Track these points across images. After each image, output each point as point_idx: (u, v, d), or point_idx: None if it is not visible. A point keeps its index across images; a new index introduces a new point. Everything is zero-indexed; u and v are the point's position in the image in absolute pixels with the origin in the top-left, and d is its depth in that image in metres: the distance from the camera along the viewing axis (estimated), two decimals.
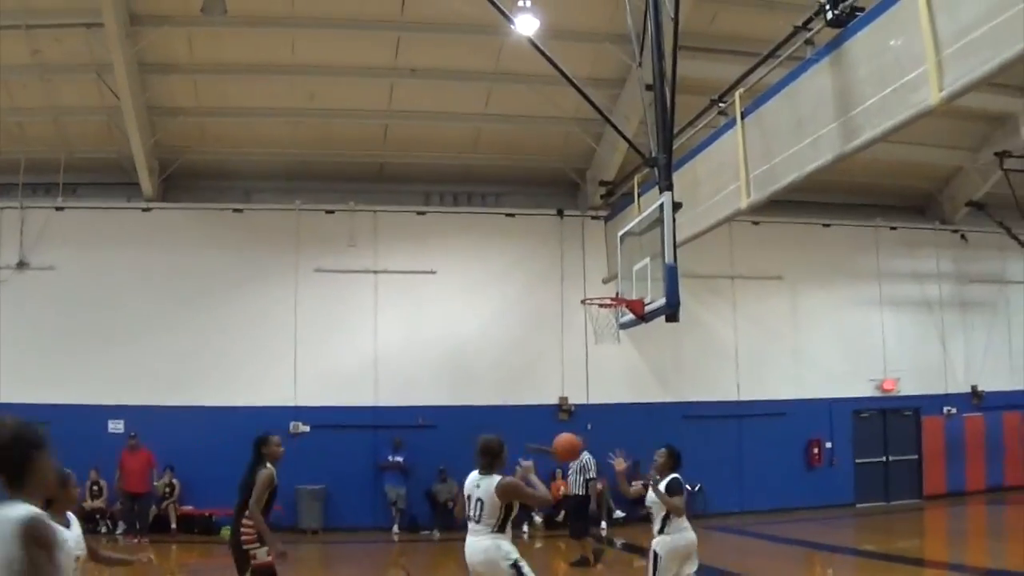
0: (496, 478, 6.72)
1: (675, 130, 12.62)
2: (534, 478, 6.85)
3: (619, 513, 18.16)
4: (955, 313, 21.66)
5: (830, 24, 10.57)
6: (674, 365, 19.69)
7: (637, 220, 13.55)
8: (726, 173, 13.00)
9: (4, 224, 18.23)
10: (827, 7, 10.50)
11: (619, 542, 16.71)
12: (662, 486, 7.96)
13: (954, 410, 21.19)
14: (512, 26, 13.12)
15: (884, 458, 20.85)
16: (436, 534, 17.38)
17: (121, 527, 17.11)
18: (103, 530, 16.87)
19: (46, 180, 18.42)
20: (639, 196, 15.91)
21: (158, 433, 17.13)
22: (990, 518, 19.79)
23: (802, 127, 11.23)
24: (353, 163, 19.36)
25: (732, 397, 19.87)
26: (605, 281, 18.21)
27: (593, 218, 19.78)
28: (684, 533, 7.98)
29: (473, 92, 17.89)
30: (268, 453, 7.62)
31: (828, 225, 20.96)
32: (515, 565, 6.60)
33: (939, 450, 20.90)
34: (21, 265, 18.05)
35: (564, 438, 8.43)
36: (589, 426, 17.65)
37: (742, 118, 12.45)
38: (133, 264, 18.23)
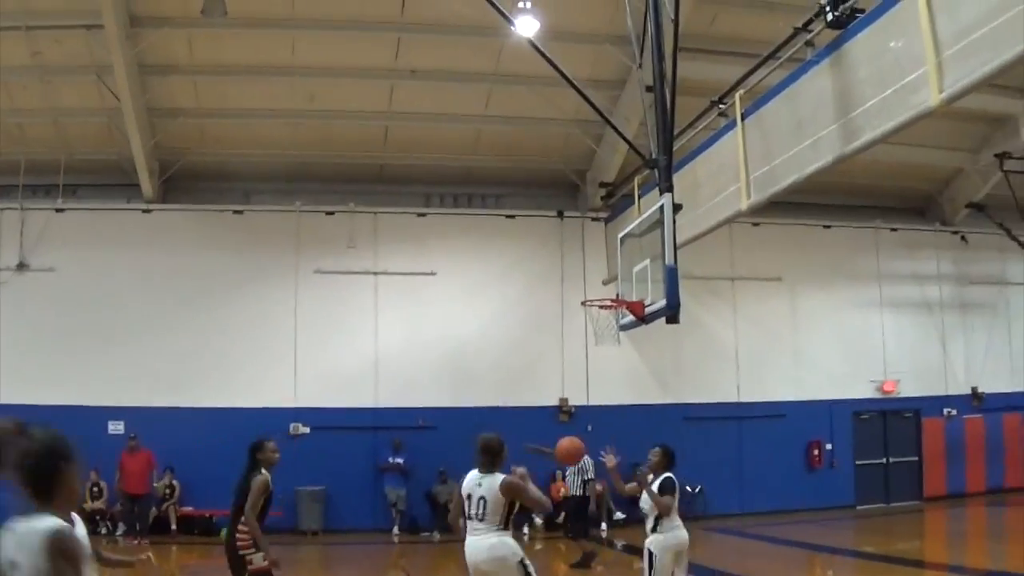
0: (499, 476, 6.72)
1: (675, 131, 12.62)
2: (530, 484, 6.84)
3: (619, 515, 18.16)
4: (955, 315, 21.66)
5: (830, 25, 10.57)
6: (674, 367, 19.69)
7: (637, 222, 13.55)
8: (726, 174, 13.00)
9: (4, 225, 18.23)
10: (827, 8, 10.50)
11: (619, 544, 16.70)
12: (655, 485, 7.96)
13: (954, 412, 21.19)
14: (512, 27, 13.12)
15: (884, 460, 20.84)
16: (436, 536, 17.37)
17: (121, 528, 17.11)
18: (103, 531, 16.87)
19: (46, 181, 18.42)
20: (639, 198, 15.91)
21: (158, 434, 17.13)
22: (990, 520, 19.79)
23: (802, 128, 11.23)
24: (353, 164, 19.36)
25: (732, 399, 19.87)
26: (605, 283, 18.21)
27: (593, 219, 19.78)
28: (676, 532, 8.02)
29: (473, 93, 17.90)
30: (263, 459, 7.58)
31: (828, 227, 20.96)
32: (522, 563, 6.60)
33: (939, 452, 20.89)
34: (21, 266, 18.05)
35: (566, 442, 8.46)
36: (589, 427, 17.67)
37: (742, 119, 12.45)
38: (133, 265, 18.23)
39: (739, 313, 20.37)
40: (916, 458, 20.98)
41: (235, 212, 18.98)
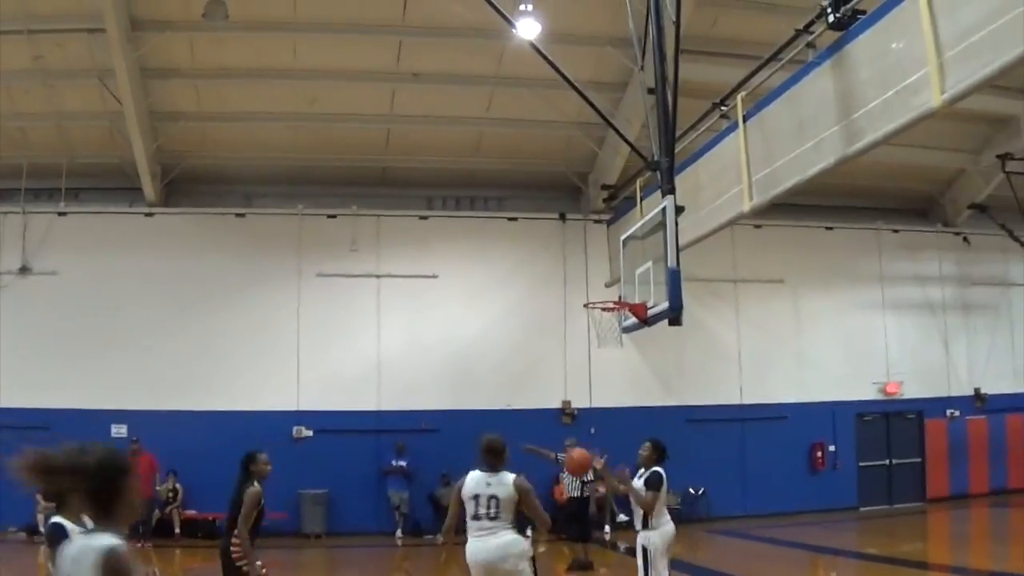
0: (509, 475, 6.72)
1: (677, 134, 12.62)
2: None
3: (622, 517, 18.12)
4: (958, 316, 21.64)
5: (831, 27, 10.56)
6: (677, 369, 19.68)
7: (639, 224, 13.55)
8: (728, 176, 13.00)
9: (7, 229, 18.27)
10: (828, 10, 10.49)
11: (622, 546, 16.67)
12: (642, 479, 8.04)
13: (957, 413, 21.17)
14: (514, 30, 13.12)
15: (887, 461, 20.82)
16: (439, 538, 17.33)
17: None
18: None
19: (48, 185, 18.44)
20: (641, 200, 15.92)
21: (161, 438, 17.13)
22: (993, 521, 19.77)
23: (804, 130, 11.23)
24: (355, 167, 19.37)
25: (735, 400, 19.87)
26: (608, 285, 18.20)
27: (595, 222, 19.78)
28: (666, 526, 8.08)
29: (475, 96, 17.91)
30: (256, 471, 7.64)
31: (830, 228, 20.96)
32: (532, 560, 6.60)
33: (942, 453, 20.88)
34: (24, 270, 18.09)
35: (577, 453, 8.64)
36: (592, 430, 17.72)
37: (744, 121, 12.45)
38: (135, 269, 18.24)
39: (741, 315, 20.36)
40: (919, 459, 20.97)
41: (237, 215, 19.00)
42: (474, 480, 6.82)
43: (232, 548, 7.49)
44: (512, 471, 6.88)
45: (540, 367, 19.15)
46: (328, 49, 16.57)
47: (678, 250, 11.71)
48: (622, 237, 14.21)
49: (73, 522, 4.87)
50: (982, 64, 8.18)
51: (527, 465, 7.17)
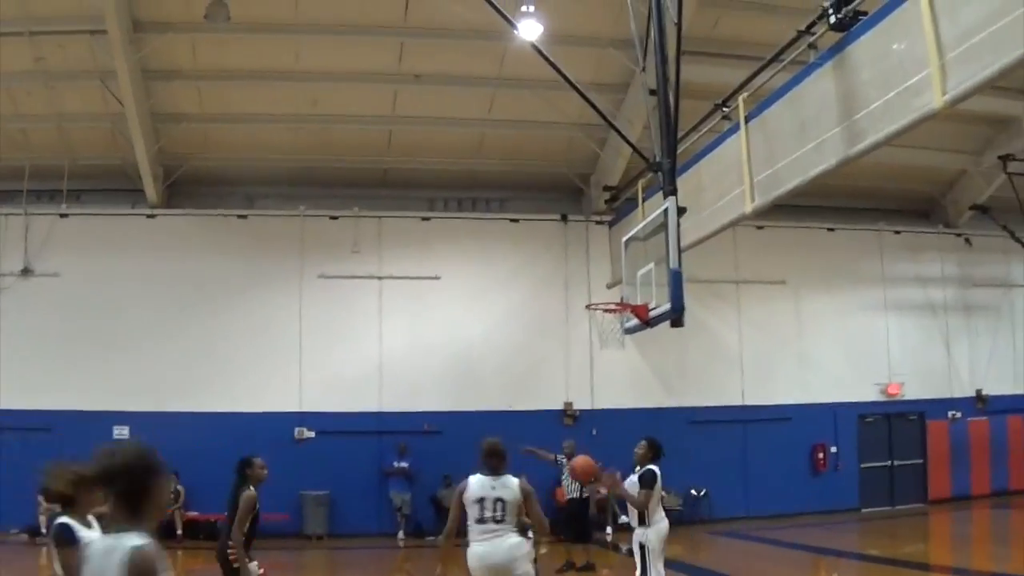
0: (512, 478, 6.73)
1: (679, 135, 12.64)
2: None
3: (624, 518, 18.10)
4: (959, 317, 21.63)
5: (833, 28, 10.56)
6: (679, 370, 19.67)
7: (641, 225, 13.56)
8: (730, 178, 12.99)
9: (8, 231, 18.27)
10: (830, 11, 10.49)
11: (624, 547, 16.65)
12: (635, 477, 8.12)
13: (959, 414, 21.15)
14: (515, 31, 13.13)
15: (889, 462, 20.81)
16: (439, 540, 17.33)
17: None
18: None
19: (50, 187, 18.44)
20: (643, 201, 15.92)
21: (163, 439, 16.59)
22: (995, 522, 19.76)
23: (806, 131, 11.22)
24: (357, 169, 19.37)
25: (737, 402, 19.87)
26: (609, 286, 18.19)
27: (597, 223, 19.78)
28: (661, 524, 8.15)
29: (477, 97, 17.91)
30: (252, 475, 7.68)
31: (832, 229, 20.96)
32: (535, 562, 6.61)
33: (944, 454, 20.87)
34: (25, 272, 18.10)
35: (580, 461, 8.65)
36: (594, 431, 17.73)
37: (746, 122, 12.45)
38: (137, 270, 18.25)
39: (743, 316, 20.36)
40: (921, 461, 20.96)
41: (239, 217, 19.01)
42: (477, 484, 6.81)
43: (229, 552, 7.55)
44: (511, 474, 6.88)
45: (542, 368, 19.15)
46: (330, 50, 16.58)
47: (680, 251, 11.73)
48: (624, 238, 14.23)
49: (80, 523, 4.89)
50: (983, 65, 8.18)
51: (526, 467, 7.17)
